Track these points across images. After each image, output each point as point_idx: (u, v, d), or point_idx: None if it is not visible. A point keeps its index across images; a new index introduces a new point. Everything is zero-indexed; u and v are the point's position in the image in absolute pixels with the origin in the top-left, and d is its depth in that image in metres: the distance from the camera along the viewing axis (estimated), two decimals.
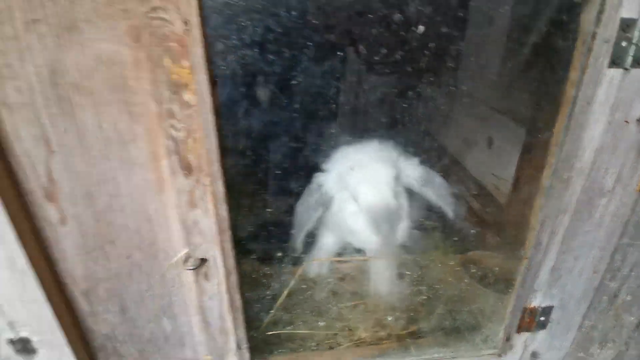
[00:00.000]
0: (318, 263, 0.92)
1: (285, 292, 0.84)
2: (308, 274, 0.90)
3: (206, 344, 0.79)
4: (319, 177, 0.85)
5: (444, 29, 0.86)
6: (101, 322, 0.74)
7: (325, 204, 0.85)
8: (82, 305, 0.71)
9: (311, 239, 0.89)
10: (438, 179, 0.91)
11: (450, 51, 0.92)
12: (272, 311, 0.81)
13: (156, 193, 0.62)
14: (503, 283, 0.92)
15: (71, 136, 0.56)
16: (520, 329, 0.89)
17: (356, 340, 0.80)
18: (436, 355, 0.83)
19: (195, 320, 0.76)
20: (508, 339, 0.90)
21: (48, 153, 0.57)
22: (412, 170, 0.86)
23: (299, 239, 0.85)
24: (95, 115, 0.55)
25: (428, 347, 0.83)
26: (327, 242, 0.92)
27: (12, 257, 0.60)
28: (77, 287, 0.69)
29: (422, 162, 0.87)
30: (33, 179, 0.58)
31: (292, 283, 0.85)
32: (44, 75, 0.51)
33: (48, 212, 0.61)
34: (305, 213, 0.84)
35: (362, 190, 0.78)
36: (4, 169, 0.55)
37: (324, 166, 0.86)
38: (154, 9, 0.46)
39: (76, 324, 0.72)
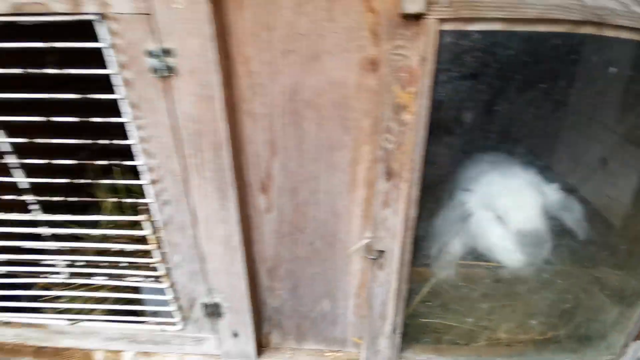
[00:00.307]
0: (447, 266, 1.00)
1: (426, 289, 0.93)
2: (439, 275, 0.98)
3: (357, 326, 0.90)
4: (463, 195, 0.93)
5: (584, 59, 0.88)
6: (275, 297, 0.88)
7: (466, 219, 0.93)
8: (264, 280, 0.85)
9: (445, 245, 0.97)
10: (573, 203, 0.95)
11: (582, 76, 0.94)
12: (417, 303, 0.90)
13: (347, 192, 0.73)
14: (626, 296, 0.94)
15: (293, 142, 0.68)
16: (637, 337, 0.91)
17: (495, 339, 0.86)
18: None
19: (351, 304, 0.87)
20: (626, 345, 0.92)
21: (272, 154, 0.70)
22: (553, 195, 0.91)
23: (439, 245, 0.94)
24: (317, 126, 0.66)
25: (560, 352, 0.87)
26: (456, 248, 1.00)
27: (230, 235, 0.75)
28: (263, 265, 0.83)
29: (561, 188, 0.92)
30: (254, 174, 0.72)
31: (432, 281, 0.94)
32: (286, 94, 0.64)
33: (259, 201, 0.75)
34: (446, 225, 0.93)
35: (512, 215, 0.85)
36: (237, 166, 0.69)
37: (469, 186, 0.94)
38: (397, 47, 0.56)
39: (255, 296, 0.86)
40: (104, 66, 0.60)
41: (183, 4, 0.54)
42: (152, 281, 0.84)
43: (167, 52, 0.57)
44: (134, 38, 0.57)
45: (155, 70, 0.59)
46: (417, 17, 0.54)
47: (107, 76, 0.61)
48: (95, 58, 0.61)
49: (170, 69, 0.59)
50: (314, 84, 0.63)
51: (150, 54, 0.58)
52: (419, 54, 0.56)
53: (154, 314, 0.94)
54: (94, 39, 0.59)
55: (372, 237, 0.72)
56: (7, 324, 0.94)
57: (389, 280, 0.76)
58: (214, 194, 0.70)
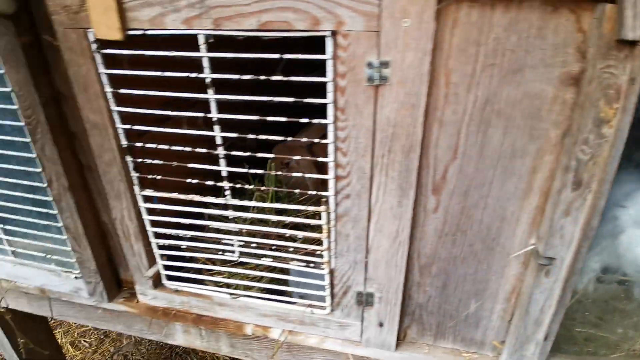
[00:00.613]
0: (592, 279, 0.99)
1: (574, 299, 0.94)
2: (585, 286, 0.98)
3: (499, 330, 0.93)
4: (616, 211, 0.92)
5: None
6: (421, 292, 0.93)
7: (615, 235, 0.93)
8: (415, 276, 0.91)
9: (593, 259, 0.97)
10: None
11: None
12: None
13: (519, 199, 0.76)
14: None
15: (475, 148, 0.73)
16: None
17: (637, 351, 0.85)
18: None
19: (499, 308, 0.90)
20: None
21: (452, 158, 0.75)
22: None
23: (588, 257, 0.94)
24: (502, 134, 0.71)
25: None
26: (604, 262, 0.99)
27: (399, 230, 0.81)
28: (418, 261, 0.89)
29: None
30: (430, 176, 0.78)
31: (579, 292, 0.94)
32: (478, 103, 0.69)
33: (428, 202, 0.81)
34: (596, 239, 0.93)
35: None
36: (417, 168, 0.75)
37: (624, 202, 0.93)
38: (608, 66, 0.59)
39: (404, 290, 0.92)
40: (308, 74, 0.70)
41: (411, 22, 0.61)
42: (312, 267, 0.94)
43: (384, 64, 0.65)
44: (358, 51, 0.66)
45: (369, 79, 0.67)
46: (632, 43, 0.57)
47: (312, 83, 0.71)
48: (298, 67, 0.71)
49: (383, 79, 0.67)
50: (509, 95, 0.68)
51: (369, 65, 0.66)
52: (628, 74, 0.58)
53: (302, 296, 1.04)
54: (307, 51, 0.69)
55: (545, 244, 0.75)
56: (177, 291, 1.09)
57: (553, 288, 0.79)
58: (395, 192, 0.77)
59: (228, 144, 0.83)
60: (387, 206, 0.79)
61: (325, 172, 0.79)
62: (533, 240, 0.80)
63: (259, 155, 0.83)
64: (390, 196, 0.78)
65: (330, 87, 0.71)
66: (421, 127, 0.70)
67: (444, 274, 0.89)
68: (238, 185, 0.87)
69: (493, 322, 0.93)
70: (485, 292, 0.89)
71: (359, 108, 0.71)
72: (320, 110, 0.75)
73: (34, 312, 1.41)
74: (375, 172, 0.76)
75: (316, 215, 0.84)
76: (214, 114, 0.78)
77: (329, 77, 0.70)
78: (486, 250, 0.84)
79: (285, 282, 1.08)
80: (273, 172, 0.85)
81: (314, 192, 0.83)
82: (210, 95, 0.76)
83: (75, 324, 2.76)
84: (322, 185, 1.40)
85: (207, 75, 0.74)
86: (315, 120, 0.75)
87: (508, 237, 0.81)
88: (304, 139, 0.87)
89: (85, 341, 2.64)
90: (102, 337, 2.67)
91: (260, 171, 0.85)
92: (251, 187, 0.87)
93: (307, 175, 0.83)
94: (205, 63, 0.73)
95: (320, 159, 0.79)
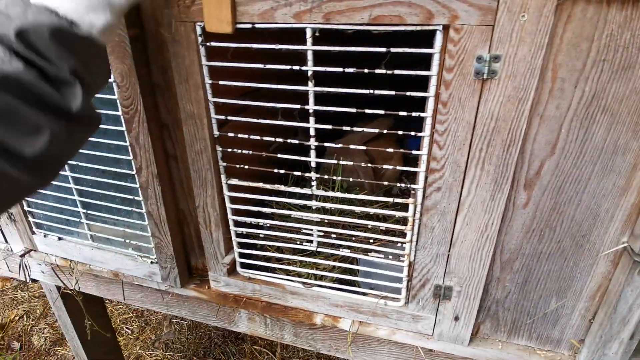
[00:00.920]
0: None
1: None
2: None
3: (578, 329, 0.92)
4: None
5: None
6: (499, 288, 0.93)
7: None
8: (495, 271, 0.91)
9: None
10: None
11: None
12: None
13: (615, 196, 0.76)
14: None
15: (575, 144, 0.73)
16: None
17: None
18: None
19: (581, 306, 0.89)
20: None
21: (549, 154, 0.75)
22: None
23: None
24: (606, 130, 0.71)
25: None
26: None
27: (488, 224, 0.82)
28: (500, 257, 0.89)
29: None
30: (523, 172, 0.78)
31: None
32: (584, 98, 0.69)
33: (519, 197, 0.81)
34: None
35: None
36: (515, 162, 0.76)
37: None
38: None
39: (482, 285, 0.92)
40: (406, 67, 0.72)
41: (528, 16, 0.62)
42: (391, 259, 0.95)
43: (495, 58, 0.66)
44: (469, 45, 0.67)
45: (477, 73, 0.68)
46: None
47: (415, 76, 0.72)
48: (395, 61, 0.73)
49: (492, 73, 0.67)
50: (617, 91, 0.68)
51: (479, 59, 0.67)
52: None
53: (373, 287, 1.05)
54: (404, 45, 0.70)
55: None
56: (250, 279, 1.12)
57: None
58: (489, 186, 0.78)
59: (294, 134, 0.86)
60: (478, 200, 0.80)
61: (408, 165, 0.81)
62: (625, 238, 0.79)
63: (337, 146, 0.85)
64: (484, 190, 0.79)
65: (433, 81, 0.73)
66: (526, 121, 0.70)
67: (526, 271, 0.89)
68: (319, 176, 0.89)
69: (573, 320, 0.92)
70: (569, 290, 0.89)
71: (461, 102, 0.72)
72: (406, 104, 0.76)
73: (102, 295, 1.47)
74: (470, 165, 0.77)
75: (389, 206, 0.86)
76: (311, 106, 0.81)
77: (433, 71, 0.72)
78: (574, 247, 0.84)
79: (356, 273, 1.10)
80: (369, 165, 0.87)
81: (403, 185, 0.85)
82: (310, 87, 0.79)
83: (117, 310, 2.85)
84: (375, 175, 1.42)
85: (310, 67, 0.77)
86: (415, 114, 0.77)
87: (599, 234, 0.81)
88: (373, 130, 0.88)
89: (127, 328, 2.72)
90: (143, 324, 2.76)
91: (339, 161, 0.87)
92: (338, 178, 0.89)
93: (402, 168, 0.84)
94: (310, 56, 0.76)
95: (414, 152, 0.80)
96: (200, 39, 0.80)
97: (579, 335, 0.93)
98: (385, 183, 0.88)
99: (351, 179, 0.93)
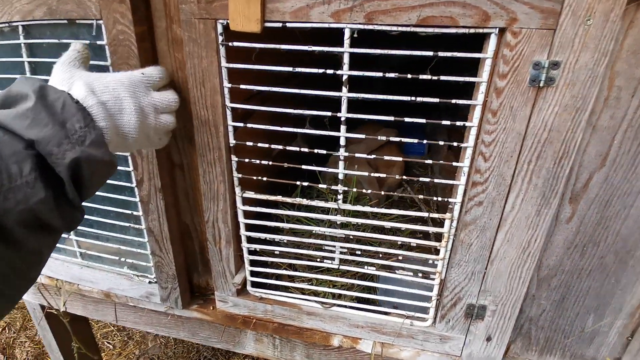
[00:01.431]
0: None
1: None
2: None
3: (614, 346, 0.90)
4: None
5: None
6: (534, 306, 0.90)
7: None
8: (531, 288, 0.88)
9: None
10: None
11: None
12: None
13: None
14: None
15: (627, 156, 0.70)
16: None
17: None
18: None
19: (619, 324, 0.87)
20: None
21: (599, 166, 0.72)
22: None
23: None
24: None
25: None
26: None
27: (532, 241, 0.78)
28: (538, 273, 0.86)
29: None
30: (570, 184, 0.75)
31: None
32: None
33: (563, 211, 0.78)
34: None
35: None
36: (567, 175, 0.72)
37: None
38: None
39: (519, 303, 0.88)
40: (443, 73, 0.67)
41: (594, 21, 0.59)
42: (420, 277, 0.90)
43: (554, 65, 0.62)
44: (526, 50, 0.63)
45: (532, 80, 0.64)
46: None
47: (463, 83, 0.68)
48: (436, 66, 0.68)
49: (549, 80, 0.63)
50: None
51: (536, 65, 0.63)
52: None
53: (396, 306, 1.00)
54: (447, 49, 0.66)
55: None
56: (261, 299, 1.05)
57: None
58: (535, 200, 0.74)
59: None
60: (522, 215, 0.76)
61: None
62: None
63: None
64: (529, 205, 0.75)
65: (482, 88, 0.68)
66: (581, 133, 0.67)
67: (564, 287, 0.86)
68: (345, 189, 0.83)
69: (610, 338, 0.90)
70: (608, 307, 0.86)
71: (513, 111, 0.67)
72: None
73: (88, 316, 1.36)
74: (517, 178, 0.73)
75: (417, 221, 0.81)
76: (344, 113, 0.75)
77: (483, 77, 0.67)
78: (617, 264, 0.81)
79: (376, 291, 1.05)
80: (406, 177, 0.82)
81: (441, 199, 0.80)
82: (344, 93, 0.73)
83: (98, 324, 2.70)
84: (379, 184, 1.38)
85: (346, 71, 0.71)
86: (459, 123, 0.72)
87: None
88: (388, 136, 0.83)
89: (108, 343, 2.58)
90: (125, 339, 2.61)
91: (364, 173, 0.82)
92: (353, 189, 0.83)
93: (441, 181, 0.79)
94: (346, 59, 0.70)
95: (455, 164, 0.76)
96: (221, 38, 0.73)
97: (615, 354, 0.91)
98: (394, 194, 0.83)
99: (355, 189, 0.88)
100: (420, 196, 0.80)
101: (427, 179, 0.80)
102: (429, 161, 0.83)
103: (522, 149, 0.71)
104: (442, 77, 0.68)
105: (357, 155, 0.79)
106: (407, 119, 0.73)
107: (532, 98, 0.66)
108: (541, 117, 0.67)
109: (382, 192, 0.84)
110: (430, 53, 0.67)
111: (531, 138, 0.69)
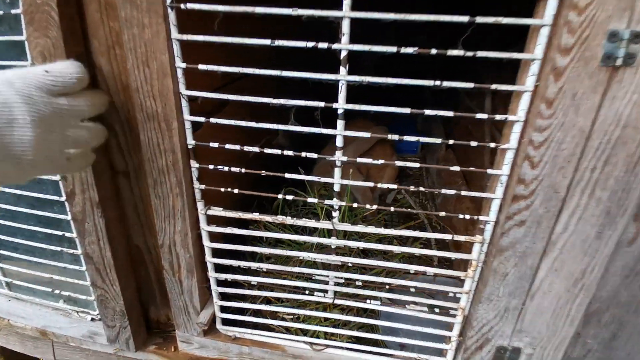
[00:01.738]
0: None
1: None
2: None
3: None
4: None
5: None
6: (578, 346, 0.74)
7: None
8: (577, 327, 0.71)
9: None
10: None
11: None
12: None
13: None
14: None
15: None
16: None
17: None
18: None
19: None
20: None
21: None
22: None
23: None
24: None
25: None
26: None
27: (587, 270, 0.62)
28: (587, 307, 0.69)
29: None
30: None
31: None
32: None
33: (625, 231, 0.61)
34: None
35: None
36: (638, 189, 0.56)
37: None
38: None
39: (563, 346, 0.72)
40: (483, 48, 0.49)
41: None
42: (437, 313, 0.72)
43: (636, 36, 0.45)
44: (599, 16, 0.45)
45: (606, 58, 0.47)
46: None
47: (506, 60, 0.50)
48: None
49: (629, 58, 0.46)
50: None
51: (612, 36, 0.45)
52: None
53: (403, 346, 0.82)
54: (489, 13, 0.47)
55: None
56: (235, 339, 0.85)
57: None
58: (596, 219, 0.57)
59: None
60: (577, 238, 0.59)
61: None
62: None
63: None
64: (588, 225, 0.58)
65: (533, 69, 0.50)
66: None
67: (617, 324, 0.70)
68: (343, 204, 0.64)
69: None
70: None
71: (576, 99, 0.50)
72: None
73: (29, 354, 1.13)
74: (573, 191, 0.56)
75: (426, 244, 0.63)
76: (342, 104, 0.56)
77: (537, 53, 0.49)
78: None
79: (378, 328, 0.86)
80: (423, 189, 0.63)
81: (471, 216, 0.62)
82: (342, 75, 0.54)
83: None
84: (370, 190, 1.20)
85: (345, 45, 0.52)
86: (499, 117, 0.54)
87: None
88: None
89: None
90: None
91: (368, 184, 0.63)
92: (374, 207, 0.64)
93: (469, 193, 0.61)
94: (346, 28, 0.51)
95: (490, 171, 0.58)
96: (169, 0, 0.53)
97: None
98: (391, 209, 0.65)
99: (347, 204, 0.70)
100: (425, 211, 0.63)
101: (452, 192, 0.62)
102: (431, 165, 0.65)
103: (584, 151, 0.53)
104: (480, 53, 0.50)
105: (359, 160, 0.60)
106: (427, 112, 0.55)
107: (604, 82, 0.49)
108: (614, 109, 0.50)
109: (376, 206, 0.65)
110: (466, 18, 0.48)
111: (598, 137, 0.52)
